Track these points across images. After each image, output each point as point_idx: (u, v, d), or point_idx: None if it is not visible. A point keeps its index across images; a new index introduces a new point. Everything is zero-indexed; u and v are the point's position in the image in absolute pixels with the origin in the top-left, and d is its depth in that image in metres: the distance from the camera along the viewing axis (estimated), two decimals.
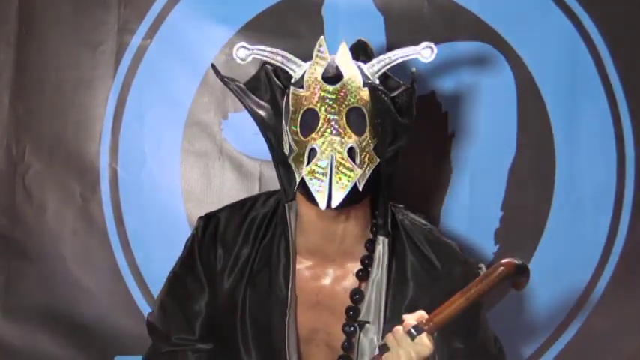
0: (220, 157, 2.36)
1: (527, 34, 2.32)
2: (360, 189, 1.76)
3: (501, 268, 1.69)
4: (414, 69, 1.86)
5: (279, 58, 1.88)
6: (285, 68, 1.87)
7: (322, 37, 1.82)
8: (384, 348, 1.71)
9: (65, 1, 2.34)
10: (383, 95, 1.79)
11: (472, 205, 2.33)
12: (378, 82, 1.83)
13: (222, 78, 1.90)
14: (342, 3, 2.29)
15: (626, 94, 2.35)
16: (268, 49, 1.89)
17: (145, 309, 2.28)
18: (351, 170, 1.75)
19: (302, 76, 1.81)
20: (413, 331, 1.67)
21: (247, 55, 1.90)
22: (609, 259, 2.37)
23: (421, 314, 1.70)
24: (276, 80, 1.90)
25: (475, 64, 2.32)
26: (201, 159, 2.36)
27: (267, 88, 1.90)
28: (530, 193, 2.35)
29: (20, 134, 2.36)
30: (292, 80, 1.85)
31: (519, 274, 1.72)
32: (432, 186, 2.32)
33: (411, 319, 1.69)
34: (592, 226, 2.37)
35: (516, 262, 1.70)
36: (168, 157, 2.36)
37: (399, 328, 1.68)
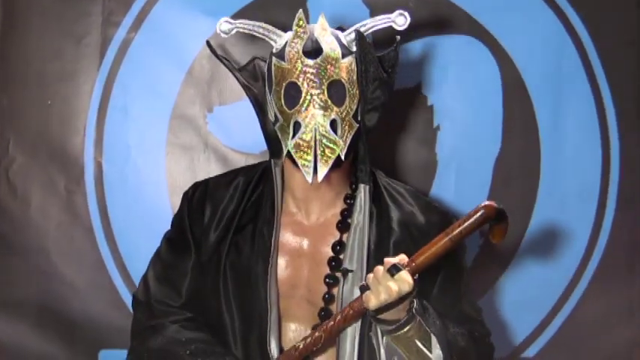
0: (206, 150, 2.35)
1: (513, 28, 2.33)
2: (343, 159, 1.82)
3: (482, 209, 1.74)
4: (397, 37, 1.91)
5: (260, 30, 1.93)
6: (267, 39, 1.92)
7: (301, 10, 1.87)
8: (364, 288, 1.73)
9: None
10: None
11: (457, 198, 2.33)
12: (354, 49, 1.87)
13: (216, 54, 1.97)
14: None
15: (610, 88, 2.37)
16: (250, 22, 1.94)
17: (130, 302, 2.27)
18: (334, 143, 1.81)
19: (283, 48, 1.86)
20: (393, 268, 1.69)
21: (230, 28, 1.96)
22: (594, 252, 2.39)
23: (403, 256, 1.73)
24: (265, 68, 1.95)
25: (461, 57, 2.33)
26: (186, 152, 2.35)
27: (257, 75, 1.97)
28: (515, 185, 2.36)
29: (4, 127, 2.34)
30: (273, 50, 1.89)
31: (498, 219, 1.76)
32: (417, 179, 2.32)
33: (392, 260, 1.72)
34: (577, 218, 2.38)
35: (496, 205, 1.75)
36: (153, 150, 2.35)
37: (379, 268, 1.72)
